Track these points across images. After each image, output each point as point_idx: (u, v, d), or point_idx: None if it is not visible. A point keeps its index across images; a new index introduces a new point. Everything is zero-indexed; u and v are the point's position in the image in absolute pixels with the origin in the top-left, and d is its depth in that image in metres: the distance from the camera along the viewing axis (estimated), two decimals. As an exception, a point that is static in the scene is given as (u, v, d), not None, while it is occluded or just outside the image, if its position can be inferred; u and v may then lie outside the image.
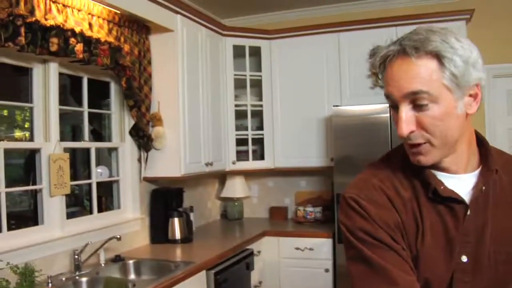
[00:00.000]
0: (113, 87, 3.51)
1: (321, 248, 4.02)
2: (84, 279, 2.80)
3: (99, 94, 3.52)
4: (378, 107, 3.77)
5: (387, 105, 1.21)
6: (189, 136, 3.65)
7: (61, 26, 2.59)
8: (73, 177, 3.46)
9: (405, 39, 1.08)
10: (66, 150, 2.99)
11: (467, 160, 1.17)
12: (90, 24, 2.87)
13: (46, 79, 2.88)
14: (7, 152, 2.80)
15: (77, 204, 3.84)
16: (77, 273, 2.81)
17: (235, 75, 4.43)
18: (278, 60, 4.55)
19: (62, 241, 2.86)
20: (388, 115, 3.73)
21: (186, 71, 3.64)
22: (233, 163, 4.40)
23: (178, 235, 3.68)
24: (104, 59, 2.96)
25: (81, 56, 2.77)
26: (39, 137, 2.87)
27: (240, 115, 4.51)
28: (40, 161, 2.86)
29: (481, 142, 1.21)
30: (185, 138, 3.60)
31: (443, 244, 1.14)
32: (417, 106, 1.08)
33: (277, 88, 4.57)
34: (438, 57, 1.05)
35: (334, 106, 4.10)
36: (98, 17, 2.96)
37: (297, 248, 4.06)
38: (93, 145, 3.33)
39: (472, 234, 1.13)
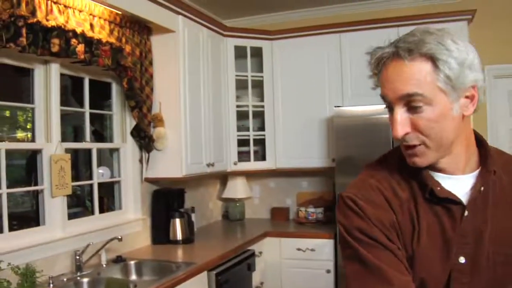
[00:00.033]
0: (114, 88, 3.52)
1: (322, 249, 4.02)
2: (85, 280, 2.80)
3: (100, 95, 3.52)
4: (379, 108, 3.73)
5: (388, 105, 1.23)
6: (191, 136, 3.65)
7: (63, 27, 2.60)
8: (75, 177, 3.46)
9: (401, 41, 1.09)
10: (67, 150, 2.99)
11: (465, 161, 1.17)
12: (91, 25, 2.88)
13: (47, 80, 2.89)
14: (10, 153, 2.81)
15: (79, 205, 3.84)
16: (78, 274, 2.81)
17: (236, 75, 4.43)
18: (280, 60, 4.55)
19: (64, 242, 2.86)
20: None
21: (188, 71, 3.64)
22: (235, 163, 4.39)
23: (179, 236, 3.68)
24: (105, 59, 2.96)
25: (82, 56, 2.77)
26: (41, 137, 2.87)
27: (241, 115, 4.51)
28: (41, 161, 2.86)
29: (480, 143, 1.21)
30: (186, 138, 3.60)
31: (440, 244, 1.14)
32: (411, 108, 1.08)
33: (278, 88, 4.56)
34: (432, 59, 1.05)
35: (335, 106, 4.11)
36: (100, 17, 2.96)
37: (299, 249, 4.06)
38: (94, 146, 3.33)
39: (470, 235, 1.13)
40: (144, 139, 3.46)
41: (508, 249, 1.13)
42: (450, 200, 1.14)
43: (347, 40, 4.28)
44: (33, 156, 2.95)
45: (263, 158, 4.61)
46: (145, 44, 3.44)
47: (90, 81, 3.27)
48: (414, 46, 1.06)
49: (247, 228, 4.54)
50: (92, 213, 3.29)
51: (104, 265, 3.03)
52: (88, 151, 3.36)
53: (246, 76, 4.49)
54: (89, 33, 2.82)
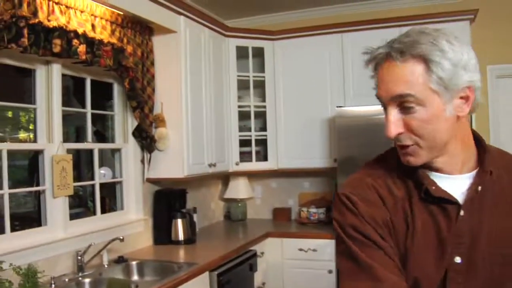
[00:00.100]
0: (116, 88, 3.52)
1: (324, 249, 4.01)
2: (87, 280, 2.80)
3: (102, 95, 3.52)
4: (381, 108, 3.74)
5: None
6: (192, 137, 3.65)
7: (64, 27, 2.60)
8: (77, 178, 3.47)
9: (395, 42, 1.10)
10: (69, 151, 3.00)
11: (462, 161, 1.17)
12: (93, 25, 2.88)
13: (49, 80, 2.89)
14: (13, 154, 2.81)
15: (81, 205, 3.84)
16: (80, 274, 2.82)
17: (238, 76, 4.43)
18: (282, 60, 4.55)
19: (65, 242, 2.86)
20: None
21: (189, 72, 3.64)
22: (237, 164, 4.39)
23: (181, 236, 3.68)
24: (107, 60, 2.96)
25: (84, 57, 2.78)
26: (42, 138, 2.87)
27: (243, 116, 4.51)
28: (43, 162, 2.87)
29: (479, 143, 1.21)
30: (188, 139, 3.60)
31: (435, 244, 1.14)
32: (404, 109, 1.09)
33: (280, 89, 4.56)
34: (425, 60, 1.05)
35: (337, 106, 4.10)
36: (101, 18, 2.96)
37: (301, 249, 4.05)
38: (96, 146, 3.33)
39: (466, 235, 1.13)
40: (146, 140, 3.47)
41: (505, 249, 1.12)
42: (445, 200, 1.14)
43: (349, 40, 4.27)
44: (35, 157, 2.95)
45: (265, 158, 4.61)
46: (146, 45, 3.44)
47: (92, 81, 3.28)
48: (407, 47, 1.07)
49: (249, 229, 4.53)
50: (94, 213, 3.29)
51: (106, 266, 3.03)
52: (90, 152, 3.36)
53: (248, 76, 4.49)
54: (91, 34, 2.82)
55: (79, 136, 3.61)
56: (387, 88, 1.11)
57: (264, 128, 4.60)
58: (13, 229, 2.65)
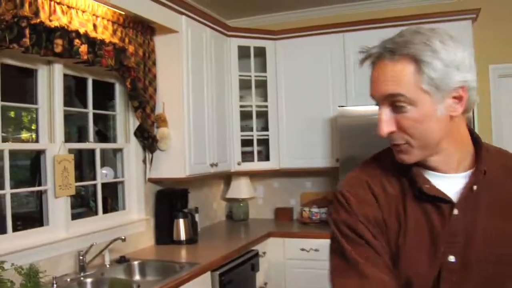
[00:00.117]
0: (117, 88, 3.52)
1: (326, 249, 3.93)
2: (89, 280, 2.80)
3: (104, 95, 3.52)
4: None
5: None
6: (194, 137, 3.65)
7: (66, 27, 2.60)
8: (79, 178, 3.47)
9: (388, 42, 1.11)
10: (71, 151, 3.00)
11: (457, 160, 1.17)
12: (94, 25, 2.88)
13: (50, 80, 2.89)
14: (15, 154, 2.81)
15: (83, 205, 3.84)
16: (82, 274, 2.82)
17: (240, 75, 4.42)
18: (283, 60, 4.54)
19: (67, 242, 2.86)
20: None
21: (191, 72, 3.64)
22: (238, 164, 4.39)
23: (183, 236, 3.68)
24: (108, 60, 2.97)
25: (85, 57, 2.78)
26: (44, 138, 2.87)
27: (245, 116, 4.51)
28: (45, 162, 2.87)
29: (476, 142, 1.21)
30: (190, 139, 3.60)
31: (428, 242, 1.15)
32: (396, 108, 1.10)
33: (282, 88, 4.56)
34: (416, 60, 1.06)
35: (339, 106, 4.10)
36: (103, 18, 2.96)
37: (303, 249, 4.05)
38: (98, 146, 3.33)
39: (460, 234, 1.13)
40: (148, 140, 3.47)
41: (501, 249, 1.12)
42: (439, 198, 1.14)
43: (351, 39, 4.27)
44: (37, 157, 2.95)
45: (266, 158, 4.60)
46: (148, 45, 3.44)
47: (94, 81, 3.28)
48: (399, 47, 1.08)
49: (251, 228, 4.53)
50: (96, 213, 3.29)
51: (108, 266, 3.03)
52: (92, 152, 3.36)
53: (250, 76, 4.49)
54: (92, 34, 2.82)
55: (81, 136, 3.60)
56: (379, 88, 1.12)
57: (266, 128, 4.60)
58: (15, 229, 2.65)
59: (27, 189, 3.11)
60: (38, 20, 2.41)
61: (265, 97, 4.58)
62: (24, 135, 3.50)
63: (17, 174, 3.30)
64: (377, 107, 1.16)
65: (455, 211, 1.13)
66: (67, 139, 3.01)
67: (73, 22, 2.69)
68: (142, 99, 3.34)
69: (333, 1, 4.60)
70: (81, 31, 2.71)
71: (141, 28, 3.34)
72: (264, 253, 3.98)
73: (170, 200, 3.72)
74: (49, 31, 2.50)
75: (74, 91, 3.59)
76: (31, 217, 3.23)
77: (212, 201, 4.80)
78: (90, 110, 3.26)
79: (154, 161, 3.59)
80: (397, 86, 1.08)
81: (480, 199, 1.14)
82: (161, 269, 3.09)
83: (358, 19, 4.36)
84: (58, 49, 2.56)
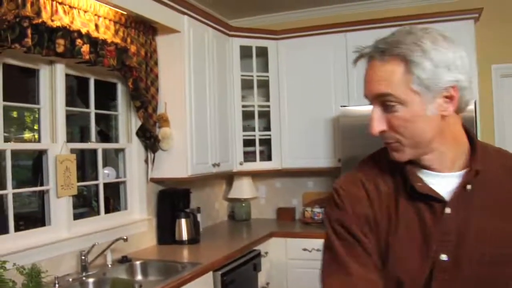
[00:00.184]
0: (119, 88, 3.52)
1: (328, 249, 3.99)
2: (91, 280, 2.80)
3: (106, 95, 3.53)
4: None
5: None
6: (196, 137, 3.65)
7: (68, 27, 2.60)
8: (82, 178, 3.47)
9: (381, 41, 1.12)
10: (73, 151, 3.00)
11: (451, 159, 1.17)
12: (96, 25, 2.88)
13: (52, 80, 2.89)
14: (18, 154, 2.81)
15: (85, 205, 3.85)
16: (84, 274, 2.82)
17: (242, 75, 4.42)
18: (285, 60, 4.54)
19: (69, 242, 2.86)
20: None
21: (193, 71, 3.64)
22: (240, 164, 4.39)
23: (185, 236, 3.68)
24: (110, 60, 2.96)
25: (87, 57, 2.77)
26: (46, 138, 2.87)
27: (247, 115, 4.50)
28: (47, 162, 2.87)
29: (471, 142, 1.21)
30: (192, 139, 3.60)
31: (420, 241, 1.15)
32: (386, 107, 1.12)
33: (284, 88, 4.55)
34: (405, 60, 1.07)
35: (341, 106, 4.09)
36: (105, 18, 2.96)
37: (305, 249, 4.04)
38: (100, 146, 3.33)
39: (452, 233, 1.13)
40: (150, 139, 3.46)
41: (495, 249, 1.12)
42: (431, 197, 1.15)
43: (353, 39, 4.25)
44: (39, 157, 2.95)
45: (269, 158, 4.60)
46: (150, 44, 3.44)
47: (96, 81, 3.28)
48: (389, 47, 1.09)
49: (253, 228, 4.53)
50: (98, 213, 3.29)
51: (110, 265, 3.03)
52: (94, 152, 3.36)
53: (252, 76, 4.49)
54: (94, 34, 2.82)
55: (83, 136, 3.61)
56: (370, 87, 1.14)
57: (268, 128, 4.59)
58: (17, 229, 2.66)
59: (29, 189, 3.12)
60: (40, 20, 2.41)
61: (267, 97, 4.57)
62: (27, 135, 3.51)
63: (19, 174, 3.30)
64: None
65: (447, 210, 1.14)
66: (69, 139, 3.01)
67: (75, 22, 2.69)
68: (144, 99, 3.34)
69: (335, 0, 4.59)
70: (83, 31, 2.71)
71: (143, 28, 3.34)
72: (266, 253, 3.98)
73: (172, 200, 3.71)
74: (51, 31, 2.50)
75: (76, 91, 3.59)
76: (33, 217, 3.24)
77: (214, 201, 4.80)
78: (92, 110, 3.27)
79: (156, 161, 3.59)
80: (387, 86, 1.09)
81: (474, 198, 1.14)
82: (163, 269, 3.09)
83: (360, 18, 4.35)
84: (60, 49, 2.56)
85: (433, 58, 1.06)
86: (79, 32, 2.68)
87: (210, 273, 3.07)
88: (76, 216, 3.07)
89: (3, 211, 2.71)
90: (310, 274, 4.00)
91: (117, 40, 3.04)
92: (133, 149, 3.57)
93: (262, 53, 4.54)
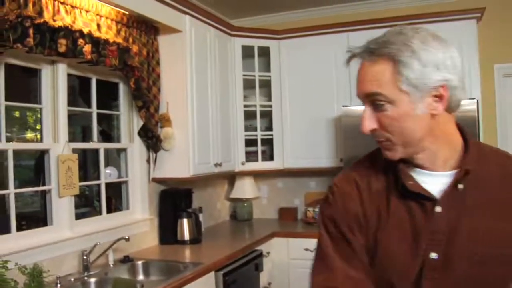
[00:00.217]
0: (121, 88, 3.52)
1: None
2: (92, 280, 2.80)
3: (108, 95, 3.53)
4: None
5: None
6: (198, 136, 3.65)
7: (69, 27, 2.60)
8: (84, 178, 3.47)
9: (372, 42, 1.15)
10: (75, 151, 3.00)
11: (443, 158, 1.18)
12: (98, 25, 2.88)
13: (54, 80, 2.89)
14: (20, 154, 2.81)
15: (87, 205, 3.85)
16: (85, 274, 2.82)
17: (244, 75, 4.42)
18: (287, 60, 4.54)
19: (71, 242, 2.86)
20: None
21: (195, 71, 3.64)
22: (242, 163, 4.38)
23: (187, 236, 3.67)
24: (112, 60, 2.96)
25: (89, 57, 2.78)
26: (48, 138, 2.88)
27: (249, 115, 4.50)
28: (49, 162, 2.87)
29: (465, 141, 1.21)
30: (194, 138, 3.59)
31: (410, 238, 1.16)
32: (376, 106, 1.14)
33: (286, 88, 4.55)
34: (393, 60, 1.09)
35: (343, 106, 4.08)
36: (106, 18, 2.96)
37: (307, 249, 4.03)
38: (101, 146, 3.33)
39: (443, 232, 1.14)
40: (152, 139, 3.46)
41: (486, 249, 1.12)
42: (422, 195, 1.16)
43: (355, 39, 4.24)
44: (42, 157, 2.96)
45: (271, 158, 4.60)
46: (152, 44, 3.44)
47: (97, 81, 3.28)
48: (378, 47, 1.12)
49: (255, 228, 4.52)
50: (100, 213, 3.30)
51: (112, 265, 3.03)
52: (96, 151, 3.36)
53: (254, 75, 4.48)
54: (96, 33, 2.83)
55: (86, 136, 3.61)
56: (361, 87, 1.17)
57: (270, 128, 4.59)
58: (19, 228, 2.66)
59: (31, 188, 3.12)
60: (42, 20, 2.42)
61: (269, 97, 4.57)
62: (29, 135, 3.51)
63: (21, 174, 3.30)
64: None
65: (438, 209, 1.14)
66: (72, 139, 3.01)
67: (77, 22, 2.70)
68: (146, 99, 3.34)
69: (337, 0, 4.59)
70: (85, 30, 2.72)
71: (145, 27, 3.34)
72: (268, 253, 3.97)
73: (174, 200, 3.71)
74: (53, 31, 2.51)
75: (78, 91, 3.59)
76: (35, 216, 3.24)
77: (216, 201, 4.80)
78: (94, 110, 3.26)
79: (158, 161, 3.59)
80: (376, 85, 1.12)
81: (467, 198, 1.15)
82: (165, 269, 3.09)
83: (362, 18, 4.34)
84: (62, 49, 2.57)
85: (422, 58, 1.07)
86: (81, 32, 2.69)
87: (212, 273, 3.07)
88: (78, 216, 3.07)
89: (5, 211, 2.71)
90: (312, 274, 4.00)
91: (119, 40, 3.04)
92: (135, 149, 3.57)
93: (264, 53, 4.54)
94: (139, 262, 3.17)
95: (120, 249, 3.18)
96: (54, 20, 2.51)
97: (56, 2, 2.55)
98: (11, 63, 2.62)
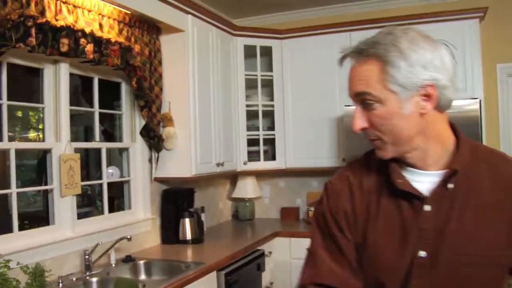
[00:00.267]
0: (124, 88, 3.52)
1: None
2: (94, 279, 2.80)
3: (110, 95, 3.53)
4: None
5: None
6: (200, 136, 3.65)
7: (72, 26, 2.60)
8: (86, 177, 3.47)
9: (361, 42, 1.18)
10: (77, 150, 3.00)
11: (434, 158, 1.19)
12: (100, 25, 2.88)
13: (57, 80, 2.89)
14: (23, 154, 2.81)
15: (89, 205, 3.86)
16: (87, 273, 2.82)
17: (246, 75, 4.41)
18: (289, 60, 4.53)
19: (73, 241, 2.86)
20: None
21: (197, 71, 3.64)
22: (245, 163, 4.38)
23: (189, 236, 3.67)
24: (114, 59, 2.96)
25: (91, 56, 2.77)
26: (50, 137, 2.88)
27: (251, 115, 4.50)
28: (51, 161, 2.87)
29: (458, 141, 1.22)
30: (196, 138, 3.59)
31: (399, 236, 1.18)
32: (366, 105, 1.17)
33: (288, 88, 4.54)
34: (381, 61, 1.12)
35: (345, 106, 4.08)
36: (109, 17, 2.96)
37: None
38: (103, 146, 3.33)
39: (431, 231, 1.15)
40: (154, 139, 3.46)
41: (474, 251, 1.12)
42: (411, 194, 1.17)
43: (357, 39, 4.18)
44: (44, 156, 2.96)
45: (273, 157, 4.59)
46: (154, 44, 3.44)
47: (100, 80, 3.28)
48: (367, 47, 1.15)
49: (257, 228, 4.52)
50: (102, 212, 3.30)
51: (113, 265, 3.03)
52: (98, 151, 3.36)
53: (256, 75, 4.48)
54: (98, 33, 2.82)
55: (87, 135, 3.61)
56: (351, 86, 1.19)
57: (272, 127, 4.59)
58: (22, 228, 2.66)
59: (33, 188, 3.12)
60: (44, 20, 2.41)
61: (271, 97, 4.57)
62: (31, 134, 3.52)
63: (24, 174, 3.31)
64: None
65: (426, 207, 1.16)
66: (74, 138, 3.01)
67: (79, 21, 2.70)
68: (148, 98, 3.34)
69: (339, 0, 4.58)
70: (87, 30, 2.72)
71: (147, 27, 3.34)
72: (270, 252, 3.97)
73: (176, 200, 3.71)
74: (55, 31, 2.51)
75: (80, 91, 3.60)
76: (37, 216, 3.24)
77: (218, 201, 4.80)
78: (96, 109, 3.26)
79: (160, 160, 3.59)
80: (365, 85, 1.14)
81: (458, 198, 1.15)
82: (167, 269, 3.09)
83: (364, 18, 4.33)
84: (64, 48, 2.57)
85: (409, 58, 1.09)
86: (83, 31, 2.69)
87: (214, 273, 3.07)
88: (80, 216, 3.07)
89: (8, 210, 2.71)
90: (314, 274, 4.00)
91: (121, 39, 3.04)
92: (137, 148, 3.57)
93: (266, 52, 4.54)
94: (141, 262, 3.17)
95: (122, 248, 3.18)
96: (56, 20, 2.51)
97: (58, 2, 2.55)
98: (14, 63, 2.62)
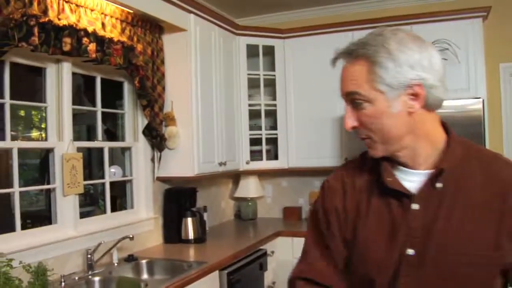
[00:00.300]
0: (126, 87, 3.52)
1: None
2: (97, 279, 2.80)
3: (112, 94, 3.53)
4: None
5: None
6: (203, 135, 3.64)
7: (74, 26, 2.60)
8: (88, 176, 3.48)
9: (352, 43, 1.21)
10: (80, 149, 3.00)
11: (424, 157, 1.21)
12: (103, 24, 2.88)
13: (59, 79, 2.89)
14: (26, 153, 2.82)
15: (91, 204, 3.86)
16: (90, 273, 2.82)
17: (248, 74, 4.41)
18: (292, 59, 4.53)
19: (75, 241, 2.86)
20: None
21: (200, 70, 3.63)
22: (247, 163, 4.38)
23: (191, 235, 3.67)
24: (117, 58, 2.96)
25: (94, 55, 2.77)
26: (53, 136, 2.88)
27: (253, 114, 4.50)
28: (53, 160, 2.87)
29: (448, 139, 1.23)
30: (198, 137, 3.59)
31: (388, 233, 1.21)
32: (355, 105, 1.20)
33: (291, 87, 4.54)
34: (369, 61, 1.15)
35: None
36: (111, 16, 2.96)
37: (311, 249, 4.03)
38: (106, 145, 3.33)
39: (419, 229, 1.16)
40: (156, 138, 3.46)
41: (462, 250, 1.13)
42: (400, 192, 1.20)
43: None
44: (47, 156, 2.96)
45: (275, 157, 4.59)
46: (156, 43, 3.44)
47: (102, 80, 3.28)
48: (357, 48, 1.18)
49: (259, 228, 4.52)
50: (104, 212, 3.30)
51: (116, 264, 3.03)
52: (100, 150, 3.37)
53: (258, 74, 4.48)
54: (101, 32, 2.82)
55: (90, 134, 3.62)
56: (342, 86, 1.23)
57: (274, 127, 4.58)
58: (24, 227, 2.66)
59: (35, 187, 3.13)
60: (47, 19, 2.41)
61: (273, 96, 4.56)
62: (34, 133, 3.53)
63: (26, 173, 3.31)
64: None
65: (414, 206, 1.18)
66: (77, 137, 3.01)
67: (82, 20, 2.70)
68: (151, 98, 3.34)
69: (342, -1, 4.58)
70: (90, 29, 2.71)
71: (149, 26, 3.34)
72: (273, 252, 3.97)
73: (178, 199, 3.71)
74: (57, 30, 2.50)
75: (82, 90, 3.60)
76: (40, 215, 3.25)
77: (221, 200, 4.80)
78: (99, 108, 3.26)
79: (163, 159, 3.59)
80: (354, 85, 1.18)
81: (447, 197, 1.16)
82: (169, 268, 3.09)
83: (367, 17, 4.32)
84: (67, 47, 2.57)
85: (397, 58, 1.12)
86: (85, 30, 2.68)
87: (216, 272, 3.07)
88: (83, 215, 3.08)
89: (10, 210, 2.72)
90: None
91: (124, 38, 3.04)
92: (140, 147, 3.57)
93: (269, 51, 4.53)
94: (144, 261, 3.17)
95: (124, 248, 3.18)
96: (59, 19, 2.51)
97: (61, 1, 2.55)
98: (16, 62, 2.62)
